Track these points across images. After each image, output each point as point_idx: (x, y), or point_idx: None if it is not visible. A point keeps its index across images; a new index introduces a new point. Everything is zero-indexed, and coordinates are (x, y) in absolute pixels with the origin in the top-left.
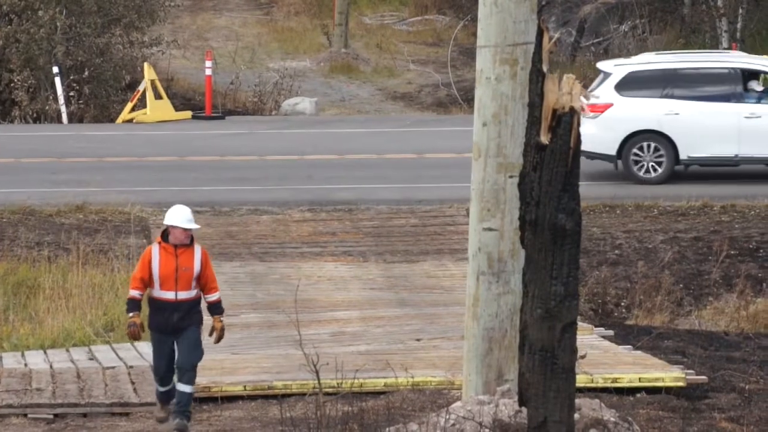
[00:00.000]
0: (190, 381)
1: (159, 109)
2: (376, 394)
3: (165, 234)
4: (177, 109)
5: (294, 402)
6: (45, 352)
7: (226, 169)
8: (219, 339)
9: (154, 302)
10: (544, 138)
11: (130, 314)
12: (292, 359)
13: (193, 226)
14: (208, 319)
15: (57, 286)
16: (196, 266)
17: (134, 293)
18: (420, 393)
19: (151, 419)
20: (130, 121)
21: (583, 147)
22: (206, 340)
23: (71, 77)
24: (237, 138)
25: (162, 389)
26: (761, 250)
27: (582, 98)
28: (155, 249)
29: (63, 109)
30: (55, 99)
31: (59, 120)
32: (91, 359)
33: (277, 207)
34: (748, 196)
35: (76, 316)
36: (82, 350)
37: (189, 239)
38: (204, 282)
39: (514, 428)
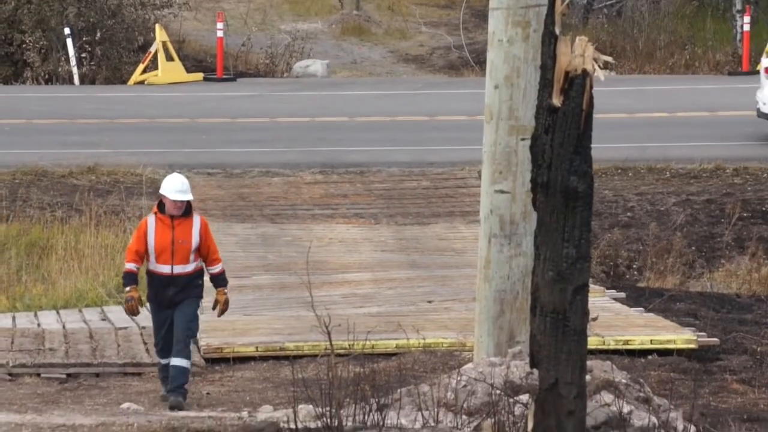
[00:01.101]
0: (185, 355)
1: (170, 70)
2: (388, 355)
3: (162, 204)
4: (188, 70)
5: (306, 363)
6: (58, 313)
7: (237, 131)
8: (222, 312)
9: (150, 275)
10: (557, 100)
11: (127, 288)
12: (304, 321)
13: (185, 197)
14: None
15: (69, 247)
16: (195, 238)
17: (130, 266)
18: (431, 354)
19: None
20: (141, 82)
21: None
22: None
23: (83, 39)
24: (248, 100)
25: (164, 361)
26: None
27: (594, 61)
28: (151, 220)
29: (75, 70)
30: (67, 60)
31: (71, 81)
32: (103, 320)
33: (289, 169)
34: (761, 158)
35: (89, 276)
36: (95, 311)
37: (185, 210)
38: (205, 254)
39: (525, 390)
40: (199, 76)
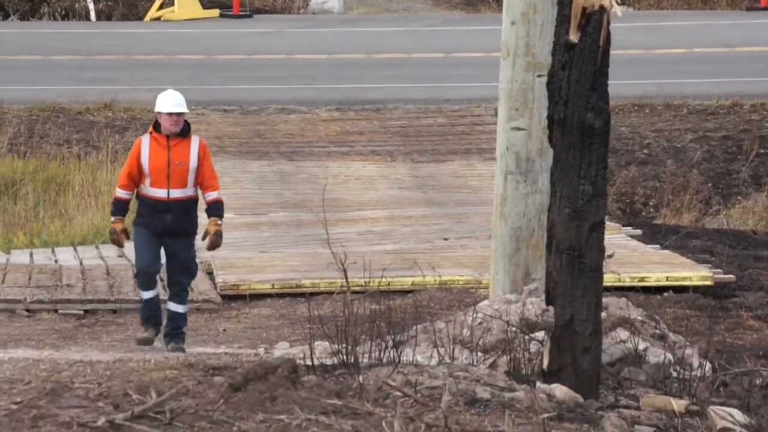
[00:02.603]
0: (184, 301)
1: (187, 7)
2: (404, 292)
3: (157, 124)
4: (205, 7)
5: (322, 300)
6: (75, 249)
7: (253, 68)
8: (213, 246)
9: (143, 200)
10: (574, 36)
11: (114, 219)
12: (320, 258)
13: (181, 109)
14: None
15: (86, 183)
16: (193, 160)
17: (121, 193)
18: (447, 292)
19: None
20: (158, 19)
21: None
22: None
23: None
24: (265, 36)
25: (147, 294)
26: None
27: None
28: (146, 140)
29: (91, 6)
30: None
31: (87, 17)
32: (120, 256)
33: (305, 106)
34: None
35: (106, 213)
36: (111, 247)
37: (183, 130)
38: (201, 178)
39: (540, 327)
40: (216, 12)
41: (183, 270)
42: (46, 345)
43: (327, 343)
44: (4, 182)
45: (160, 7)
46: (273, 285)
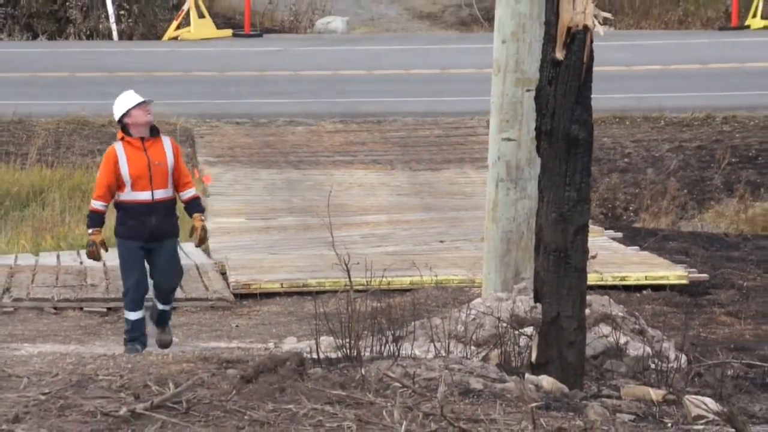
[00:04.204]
0: (171, 300)
1: (202, 27)
2: (403, 291)
3: (126, 129)
4: (218, 27)
5: (327, 298)
6: None
7: (263, 84)
8: (201, 241)
9: (125, 207)
10: (559, 54)
11: (90, 231)
12: (325, 259)
13: (147, 98)
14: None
15: None
16: (170, 158)
17: (97, 205)
18: (443, 290)
19: (195, 312)
20: (175, 38)
21: None
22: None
23: None
24: (274, 54)
25: (134, 315)
26: (760, 158)
27: (594, 17)
28: (119, 146)
29: (114, 27)
30: (107, 17)
31: (110, 37)
32: None
33: (311, 119)
34: (749, 107)
35: None
36: None
37: (153, 130)
38: (177, 177)
39: (529, 322)
40: (228, 32)
41: (170, 272)
42: (72, 340)
43: (332, 338)
44: (33, 190)
45: (177, 28)
46: (282, 284)
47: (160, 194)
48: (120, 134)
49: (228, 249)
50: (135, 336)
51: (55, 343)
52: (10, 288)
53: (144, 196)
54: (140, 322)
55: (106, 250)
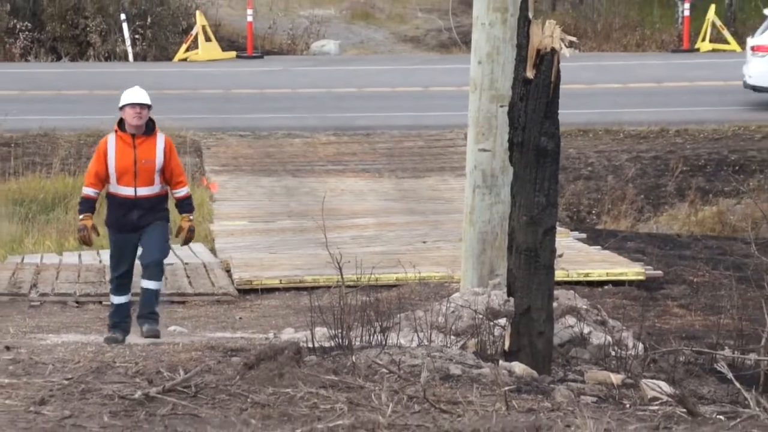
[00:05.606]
0: (157, 276)
1: (209, 49)
2: (389, 286)
3: (122, 122)
4: (224, 49)
5: (321, 293)
6: None
7: (264, 100)
8: (186, 241)
9: (111, 198)
10: (530, 73)
11: (81, 216)
12: (320, 258)
13: (144, 100)
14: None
15: None
16: (159, 158)
17: (88, 191)
18: (425, 286)
19: (203, 306)
20: (184, 59)
21: (753, 82)
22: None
23: (136, 23)
24: (273, 74)
25: (119, 299)
26: (708, 167)
27: (561, 41)
28: (111, 139)
29: (129, 49)
30: (123, 41)
31: (126, 59)
32: None
33: (307, 131)
34: (698, 121)
35: None
36: None
37: (148, 127)
38: (169, 176)
39: (503, 314)
40: (233, 54)
41: (158, 247)
42: (92, 331)
43: (325, 329)
44: (56, 196)
45: (187, 50)
46: (280, 281)
47: (144, 191)
48: (115, 126)
49: (232, 249)
50: (116, 321)
51: (77, 333)
52: (36, 284)
53: (127, 191)
54: (124, 306)
55: (98, 235)
